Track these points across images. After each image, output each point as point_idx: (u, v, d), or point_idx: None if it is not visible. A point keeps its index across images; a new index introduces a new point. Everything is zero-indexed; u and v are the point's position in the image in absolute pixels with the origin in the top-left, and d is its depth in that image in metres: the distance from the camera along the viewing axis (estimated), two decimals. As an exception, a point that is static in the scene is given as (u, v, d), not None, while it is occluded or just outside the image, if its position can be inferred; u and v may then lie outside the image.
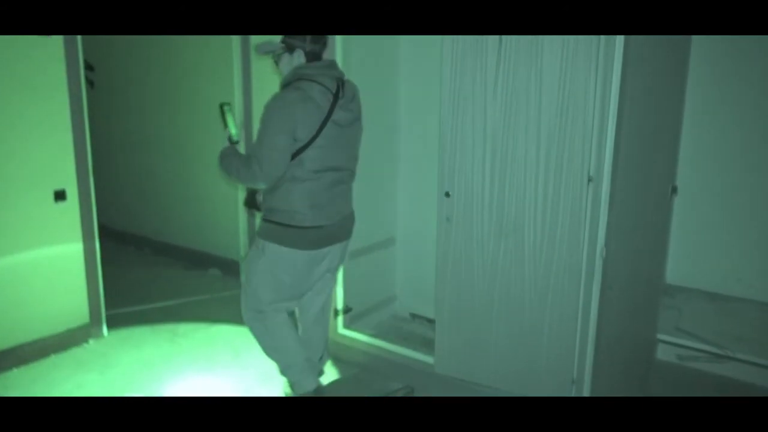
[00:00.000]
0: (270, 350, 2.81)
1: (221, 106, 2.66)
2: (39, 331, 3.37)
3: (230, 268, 4.70)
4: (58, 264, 3.44)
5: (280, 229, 2.56)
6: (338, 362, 3.36)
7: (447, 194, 2.73)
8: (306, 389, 2.81)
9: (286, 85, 2.51)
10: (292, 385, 2.86)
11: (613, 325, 2.55)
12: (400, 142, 3.69)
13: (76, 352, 3.48)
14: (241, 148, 2.76)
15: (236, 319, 3.73)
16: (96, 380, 3.17)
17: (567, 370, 2.62)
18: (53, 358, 3.39)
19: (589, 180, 2.43)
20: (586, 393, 2.57)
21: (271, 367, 2.93)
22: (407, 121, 3.66)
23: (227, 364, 3.35)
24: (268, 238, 2.60)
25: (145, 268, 5.00)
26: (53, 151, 3.33)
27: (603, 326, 2.49)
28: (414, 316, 3.87)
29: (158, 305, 4.20)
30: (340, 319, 3.38)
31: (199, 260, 4.97)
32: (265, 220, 2.63)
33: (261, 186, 2.53)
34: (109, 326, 3.73)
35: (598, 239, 2.43)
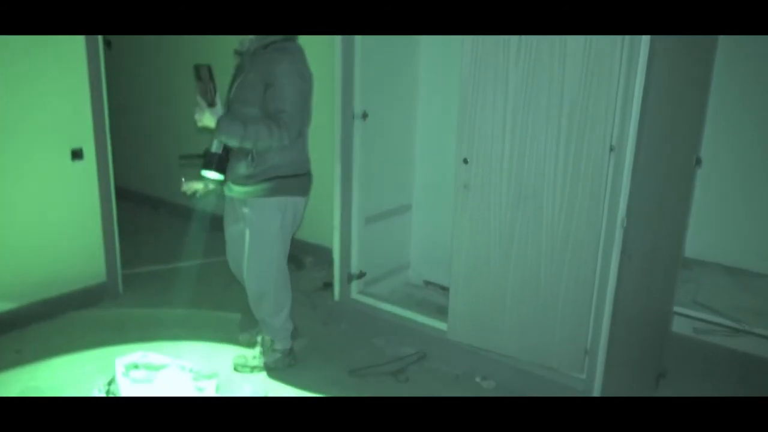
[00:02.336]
0: (279, 307, 2.88)
1: (201, 68, 2.50)
2: (57, 288, 3.41)
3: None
4: (75, 223, 3.46)
5: (291, 181, 2.70)
6: (352, 328, 3.38)
7: (465, 161, 2.70)
8: (286, 345, 2.95)
9: (269, 44, 2.60)
10: (277, 341, 2.92)
11: (630, 295, 2.52)
12: (418, 109, 3.64)
13: (92, 311, 3.52)
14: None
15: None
16: (113, 338, 3.21)
17: (581, 340, 2.60)
18: (70, 315, 3.43)
19: (611, 149, 2.38)
20: (599, 363, 2.56)
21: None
22: (426, 88, 3.60)
23: (238, 323, 3.38)
24: (282, 192, 2.68)
25: (161, 230, 5.03)
26: (70, 109, 3.33)
27: (620, 297, 2.46)
28: (427, 283, 3.87)
29: (174, 266, 4.24)
30: (354, 284, 3.38)
31: (216, 223, 4.98)
32: (270, 179, 2.65)
33: (284, 144, 2.56)
34: (125, 286, 3.77)
35: (618, 209, 2.39)
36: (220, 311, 3.62)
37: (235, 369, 2.93)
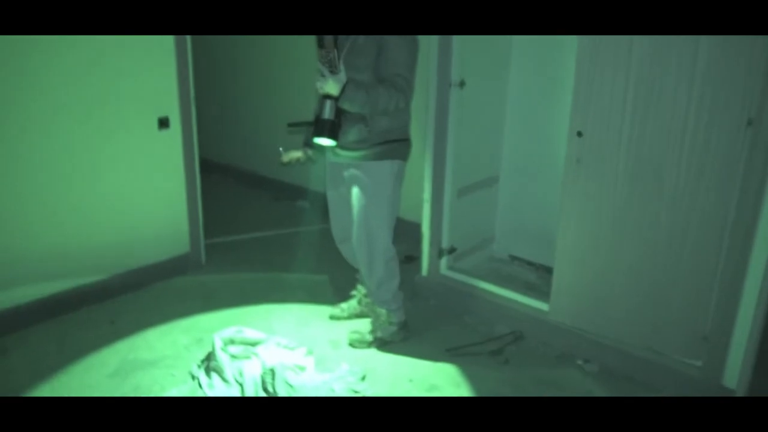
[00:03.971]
0: (390, 274, 2.83)
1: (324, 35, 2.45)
2: (143, 259, 3.41)
3: (317, 200, 4.65)
4: (161, 193, 3.43)
5: (401, 145, 2.69)
6: (441, 304, 3.29)
7: (579, 134, 2.54)
8: (401, 317, 2.91)
9: None
10: (392, 313, 2.87)
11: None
12: (510, 78, 3.46)
13: (178, 281, 3.52)
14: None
15: (326, 250, 3.72)
16: (201, 307, 3.20)
17: (699, 325, 2.45)
18: (158, 286, 3.43)
19: (749, 123, 2.19)
20: (719, 350, 2.41)
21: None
22: (519, 55, 3.41)
23: (325, 296, 3.32)
24: (394, 156, 2.66)
25: (233, 198, 5.02)
26: (157, 78, 3.27)
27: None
28: (513, 258, 3.74)
29: (252, 236, 4.20)
30: (444, 259, 3.27)
31: (287, 191, 4.94)
32: (382, 143, 2.62)
33: (401, 107, 2.54)
34: (208, 256, 3.75)
35: (765, 190, 2.19)
36: (309, 274, 3.60)
37: (352, 345, 2.89)
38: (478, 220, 3.58)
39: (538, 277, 3.55)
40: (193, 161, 3.54)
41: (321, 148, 2.72)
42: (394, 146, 2.64)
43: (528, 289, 3.26)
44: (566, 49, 3.03)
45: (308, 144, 2.80)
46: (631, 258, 2.53)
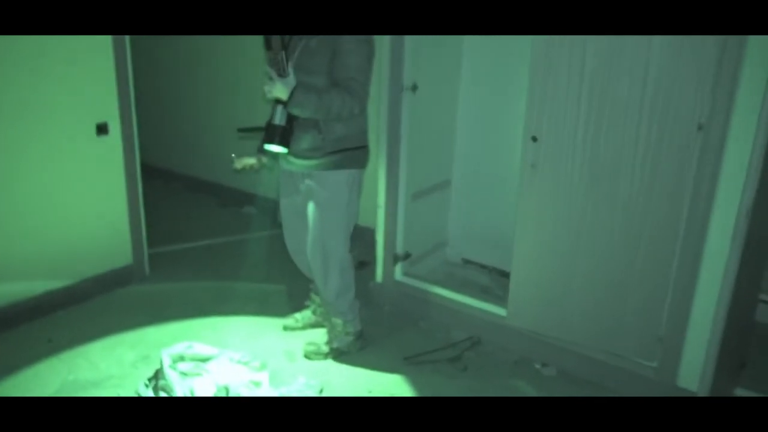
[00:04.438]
0: (346, 286, 2.75)
1: (272, 36, 2.36)
2: (82, 271, 3.22)
3: (265, 206, 4.53)
4: (101, 202, 3.26)
5: (357, 153, 2.59)
6: (396, 311, 3.24)
7: (534, 138, 2.53)
8: (357, 327, 2.84)
9: None
10: (348, 323, 2.80)
11: (734, 285, 2.37)
12: (461, 81, 3.45)
13: (121, 294, 3.35)
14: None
15: (277, 258, 3.62)
16: (147, 320, 3.05)
17: (654, 327, 2.48)
18: (99, 299, 3.25)
19: (700, 127, 2.22)
20: (674, 352, 2.45)
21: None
22: (470, 58, 3.39)
23: (278, 306, 3.22)
24: (350, 165, 2.57)
25: (177, 204, 4.83)
26: (95, 83, 3.09)
27: (726, 287, 2.30)
28: (466, 261, 3.73)
29: (198, 244, 4.05)
30: (399, 265, 3.23)
31: (233, 197, 4.79)
32: (337, 151, 2.52)
33: (355, 113, 2.43)
34: (152, 266, 3.59)
35: (739, 197, 2.21)
36: (260, 283, 3.49)
37: (307, 357, 2.80)
38: (431, 224, 3.55)
39: (491, 280, 3.55)
40: (135, 168, 3.38)
41: (275, 155, 2.62)
42: (350, 154, 2.55)
43: (482, 292, 3.26)
44: (520, 51, 3.04)
45: (262, 150, 2.70)
46: (587, 262, 2.55)
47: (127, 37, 3.17)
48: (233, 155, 2.73)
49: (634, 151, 2.34)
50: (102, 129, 3.16)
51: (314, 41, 2.41)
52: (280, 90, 2.34)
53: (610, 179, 2.42)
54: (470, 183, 3.59)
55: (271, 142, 2.46)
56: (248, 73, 4.38)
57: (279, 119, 2.45)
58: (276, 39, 2.31)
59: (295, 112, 2.38)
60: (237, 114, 4.58)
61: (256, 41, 4.14)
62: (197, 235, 4.18)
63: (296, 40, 2.46)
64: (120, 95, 3.20)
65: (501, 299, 2.98)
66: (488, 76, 3.36)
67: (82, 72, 3.02)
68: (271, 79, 2.35)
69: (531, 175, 2.58)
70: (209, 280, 3.56)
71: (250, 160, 2.74)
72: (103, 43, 3.07)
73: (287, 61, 2.32)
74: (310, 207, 2.61)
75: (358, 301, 2.83)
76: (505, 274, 3.52)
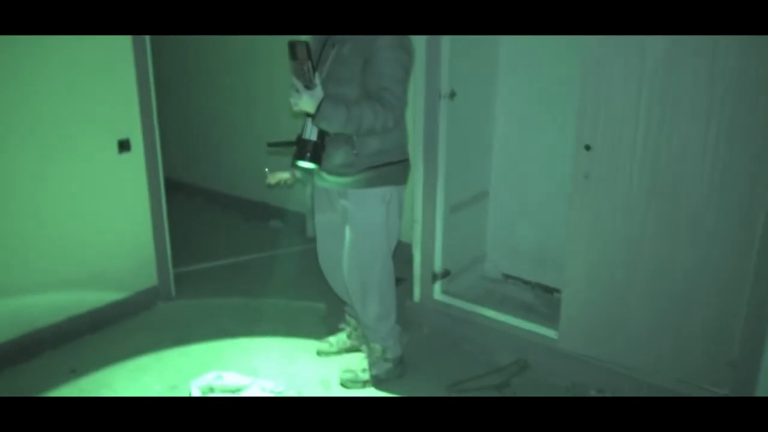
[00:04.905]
0: (386, 309, 2.57)
1: (297, 45, 2.08)
2: (107, 295, 3.08)
3: (292, 220, 4.38)
4: (124, 222, 3.12)
5: (395, 169, 2.41)
6: (436, 332, 3.05)
7: (587, 147, 2.33)
8: (397, 353, 2.66)
9: None
10: (388, 349, 2.62)
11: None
12: (498, 87, 3.25)
13: (146, 317, 3.20)
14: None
15: (308, 275, 3.46)
16: (174, 345, 2.90)
17: (725, 351, 2.26)
18: (124, 324, 3.11)
19: (777, 132, 2.01)
20: (747, 378, 2.23)
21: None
22: (508, 58, 3.20)
23: (310, 328, 3.05)
24: (387, 181, 2.38)
25: (201, 220, 4.69)
26: (116, 98, 2.96)
27: None
28: (507, 276, 3.53)
29: (224, 262, 3.90)
30: (438, 284, 3.04)
31: (258, 211, 4.64)
32: (372, 167, 2.34)
33: (389, 127, 2.24)
34: (178, 287, 3.44)
35: None
36: (291, 301, 3.34)
37: (344, 386, 2.62)
38: (469, 238, 3.36)
39: (535, 296, 3.35)
40: (159, 186, 3.23)
41: (309, 170, 2.46)
42: (387, 170, 2.36)
43: (526, 310, 3.07)
44: (563, 53, 2.86)
45: (295, 165, 2.54)
46: (647, 280, 2.34)
47: (148, 47, 3.03)
48: (266, 170, 2.58)
49: (701, 160, 2.13)
50: (124, 146, 3.03)
51: (347, 48, 2.24)
52: (306, 103, 2.15)
53: (673, 190, 2.21)
54: (509, 194, 3.39)
55: (302, 158, 2.30)
56: (274, 80, 4.23)
57: (309, 133, 2.29)
58: (302, 47, 2.10)
59: (323, 126, 2.20)
60: (262, 124, 4.44)
61: (283, 47, 4.00)
62: (223, 252, 4.03)
63: (328, 48, 2.30)
64: (142, 109, 3.06)
65: (548, 318, 2.78)
66: (528, 79, 3.15)
67: (101, 86, 2.88)
68: (297, 91, 2.17)
69: (584, 186, 2.38)
70: (237, 299, 3.40)
71: (284, 175, 2.59)
72: (124, 53, 2.94)
73: (314, 71, 2.14)
74: (347, 228, 2.43)
75: (398, 326, 2.64)
76: (550, 290, 3.34)
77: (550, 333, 2.67)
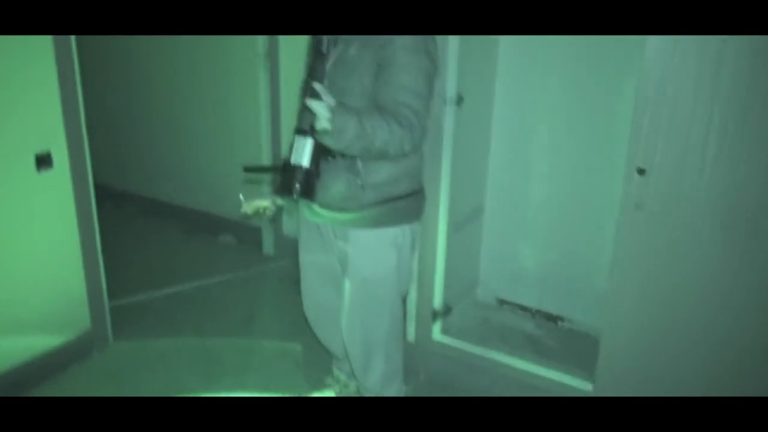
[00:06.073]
0: (392, 373, 2.10)
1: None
2: (26, 350, 2.45)
3: (246, 235, 3.81)
4: (46, 254, 2.49)
5: (409, 203, 1.90)
6: (435, 379, 2.59)
7: (640, 171, 1.92)
8: None
9: None
10: None
11: None
12: (496, 94, 2.83)
13: (78, 373, 2.58)
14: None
15: (271, 308, 2.96)
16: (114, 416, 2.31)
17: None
18: (50, 385, 2.48)
19: None
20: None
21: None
22: (508, 67, 2.77)
23: (288, 380, 2.53)
24: (400, 220, 1.88)
25: (136, 235, 4.03)
26: (32, 101, 2.32)
27: None
28: (502, 302, 3.12)
29: (168, 291, 3.29)
30: (438, 324, 2.58)
31: (204, 224, 4.03)
32: (381, 201, 1.83)
33: (405, 152, 1.72)
34: (114, 327, 2.82)
35: None
36: (259, 341, 2.80)
37: None
38: (464, 261, 2.92)
39: (536, 326, 2.96)
40: (89, 207, 2.61)
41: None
42: (400, 205, 1.86)
43: (530, 343, 2.71)
44: (574, 55, 2.48)
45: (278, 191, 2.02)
46: (712, 329, 1.96)
47: (73, 41, 2.40)
48: (241, 196, 2.02)
49: (787, 189, 1.76)
50: (44, 161, 2.39)
51: (354, 49, 1.72)
52: (322, 115, 1.59)
53: (748, 225, 1.83)
54: (507, 209, 2.98)
55: (289, 190, 1.76)
56: (222, 73, 3.66)
57: (299, 157, 1.75)
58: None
59: (330, 141, 1.67)
60: (210, 121, 3.83)
61: (222, 42, 3.42)
62: (166, 276, 3.42)
63: (327, 48, 1.78)
64: (66, 115, 2.43)
65: (554, 352, 2.43)
66: (529, 83, 2.75)
67: (10, 89, 2.24)
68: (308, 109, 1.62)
69: (635, 217, 1.97)
70: (189, 340, 2.83)
71: (263, 203, 2.04)
72: (42, 49, 2.30)
73: (324, 74, 1.60)
74: (347, 278, 1.93)
75: (405, 386, 2.17)
76: (552, 318, 2.96)
77: (582, 384, 2.26)
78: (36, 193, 2.39)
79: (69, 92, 2.42)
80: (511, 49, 2.73)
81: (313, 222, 1.95)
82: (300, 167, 1.74)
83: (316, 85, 1.57)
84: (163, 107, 4.08)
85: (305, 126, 1.76)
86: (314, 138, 1.71)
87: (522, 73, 2.75)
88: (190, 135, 3.97)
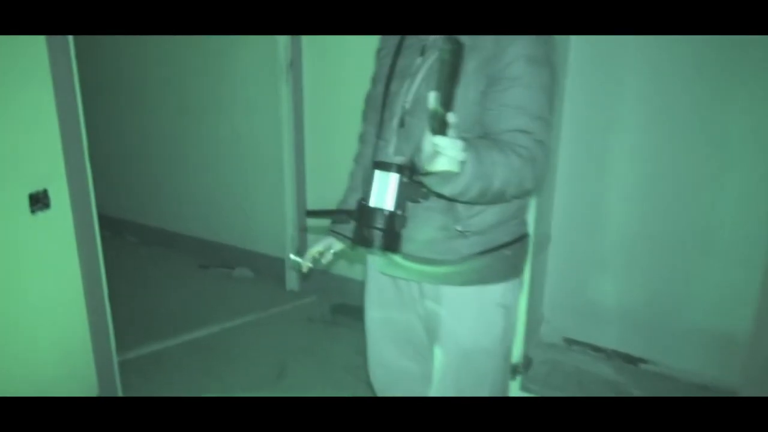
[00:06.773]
0: None
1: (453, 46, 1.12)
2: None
3: (265, 267, 3.40)
4: (45, 313, 2.07)
5: (516, 250, 1.47)
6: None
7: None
8: None
9: None
10: None
11: None
12: (564, 112, 2.47)
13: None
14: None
15: (306, 358, 2.57)
16: None
17: None
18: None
19: None
20: None
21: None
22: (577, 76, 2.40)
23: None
24: (508, 274, 1.46)
25: (142, 270, 3.61)
26: (26, 130, 1.92)
27: None
28: (570, 342, 2.73)
29: (185, 338, 2.87)
30: (518, 381, 2.18)
31: (216, 256, 3.62)
32: (484, 251, 1.40)
33: (527, 190, 1.31)
34: (124, 385, 2.40)
35: None
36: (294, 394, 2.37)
37: None
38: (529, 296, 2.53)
39: (616, 370, 2.57)
40: (95, 252, 2.20)
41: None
42: (508, 254, 1.44)
43: (611, 388, 2.32)
44: (654, 56, 2.11)
45: (337, 231, 1.61)
46: None
47: (73, 61, 2.00)
48: (291, 256, 1.60)
49: None
50: (39, 200, 1.97)
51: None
52: (452, 156, 1.13)
53: None
54: (576, 238, 2.61)
55: (366, 240, 1.34)
56: (231, 93, 3.26)
57: (383, 198, 1.33)
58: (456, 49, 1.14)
59: (438, 184, 1.21)
60: (221, 141, 3.43)
61: (240, 52, 3.04)
62: (180, 319, 3.00)
63: (410, 54, 1.38)
64: (66, 145, 2.02)
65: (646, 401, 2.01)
66: (595, 105, 2.38)
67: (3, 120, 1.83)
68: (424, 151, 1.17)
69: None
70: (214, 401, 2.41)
71: (319, 247, 1.62)
72: (39, 71, 1.89)
73: (452, 102, 1.17)
74: (438, 345, 1.52)
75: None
76: (632, 360, 2.58)
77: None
78: (30, 237, 1.98)
79: (69, 119, 2.01)
80: (582, 54, 2.37)
81: (389, 275, 1.54)
82: (381, 211, 1.32)
83: (450, 116, 1.13)
84: (167, 126, 3.67)
85: (385, 157, 1.36)
86: (401, 173, 1.30)
87: (595, 70, 2.39)
88: (200, 157, 3.56)
